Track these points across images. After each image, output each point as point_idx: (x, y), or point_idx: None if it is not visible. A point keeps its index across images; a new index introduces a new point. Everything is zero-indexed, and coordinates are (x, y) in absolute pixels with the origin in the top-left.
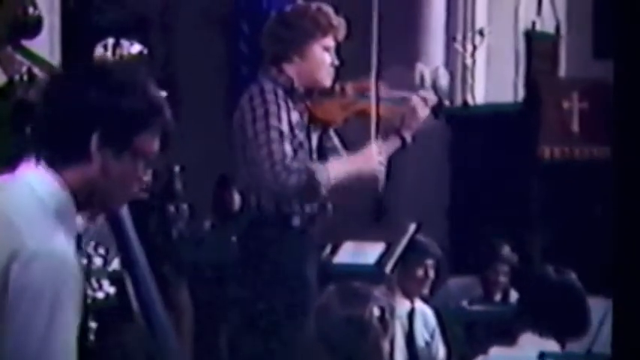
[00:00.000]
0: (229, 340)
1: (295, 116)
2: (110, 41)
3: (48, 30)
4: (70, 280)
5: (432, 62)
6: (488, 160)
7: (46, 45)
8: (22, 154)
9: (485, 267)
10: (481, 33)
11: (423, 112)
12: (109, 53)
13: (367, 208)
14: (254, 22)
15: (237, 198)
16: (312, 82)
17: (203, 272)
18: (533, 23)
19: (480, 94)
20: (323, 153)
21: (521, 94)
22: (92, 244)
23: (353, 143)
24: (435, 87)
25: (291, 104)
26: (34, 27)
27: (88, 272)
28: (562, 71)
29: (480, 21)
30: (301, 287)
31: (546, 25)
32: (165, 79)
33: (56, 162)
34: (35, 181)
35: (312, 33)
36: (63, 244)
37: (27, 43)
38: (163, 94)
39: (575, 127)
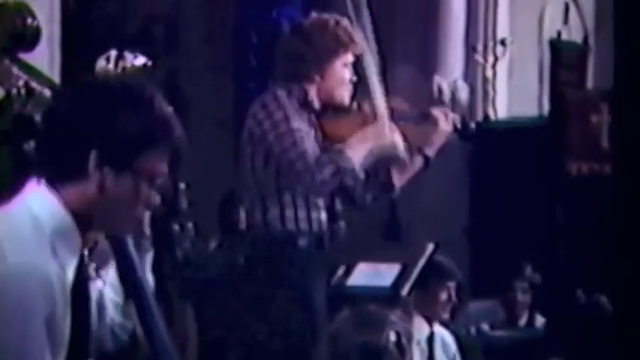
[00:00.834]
0: None
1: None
2: (113, 53)
3: (47, 40)
4: (38, 297)
5: (451, 74)
6: (511, 177)
7: (46, 55)
8: (21, 169)
9: (506, 289)
10: (503, 43)
11: (447, 128)
12: (112, 66)
13: (382, 226)
14: (263, 33)
15: (243, 215)
16: (330, 99)
17: (208, 294)
18: (559, 33)
19: (502, 107)
20: None
21: (546, 107)
22: (93, 266)
23: None
24: (453, 101)
25: (304, 116)
26: (32, 38)
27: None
28: (590, 83)
29: (502, 30)
30: (309, 310)
31: (573, 34)
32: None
33: (55, 180)
34: (35, 201)
35: (333, 49)
36: (42, 260)
37: (25, 56)
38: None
39: (605, 142)
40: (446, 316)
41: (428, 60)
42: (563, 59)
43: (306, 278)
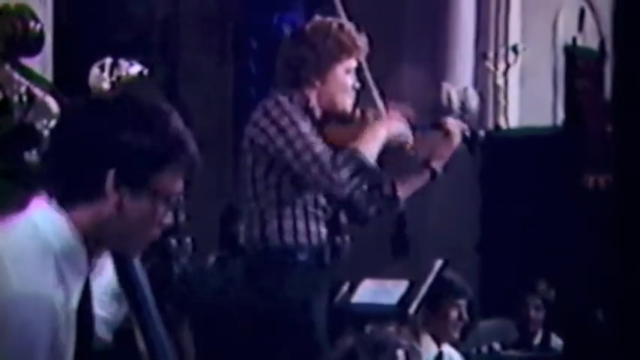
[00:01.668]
0: None
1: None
2: (107, 61)
3: None
4: (43, 325)
5: (460, 82)
6: (523, 190)
7: (37, 64)
8: (22, 180)
9: (519, 306)
10: (515, 50)
11: (456, 140)
12: (106, 74)
13: (389, 241)
14: (264, 39)
15: (242, 230)
16: (331, 105)
17: (207, 310)
18: (574, 39)
19: (514, 116)
20: None
21: (560, 116)
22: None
23: None
24: (463, 109)
25: (308, 122)
26: (35, 43)
27: None
28: (607, 92)
29: (514, 36)
30: (309, 327)
31: (588, 41)
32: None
33: (67, 200)
34: (42, 220)
35: (336, 55)
36: (48, 288)
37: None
38: None
39: None
40: (456, 335)
41: (436, 67)
42: (579, 66)
43: (305, 294)
